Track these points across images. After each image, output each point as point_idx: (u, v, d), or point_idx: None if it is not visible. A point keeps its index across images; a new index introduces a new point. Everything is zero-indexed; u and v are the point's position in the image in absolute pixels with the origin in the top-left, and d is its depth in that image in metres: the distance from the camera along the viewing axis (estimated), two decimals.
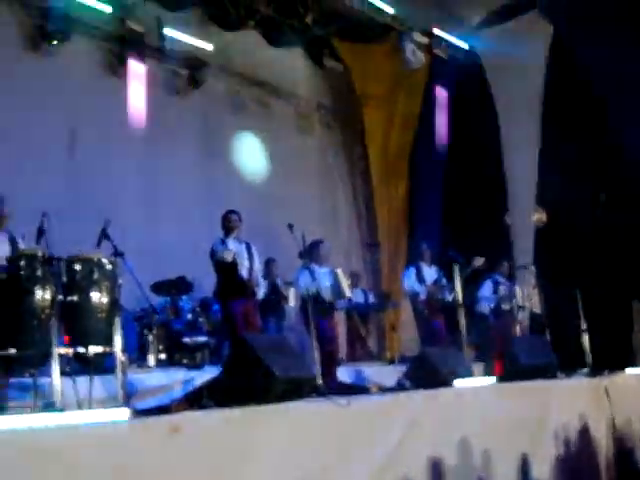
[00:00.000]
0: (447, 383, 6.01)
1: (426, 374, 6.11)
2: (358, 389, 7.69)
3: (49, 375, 4.32)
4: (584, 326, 8.77)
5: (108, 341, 4.64)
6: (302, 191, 12.58)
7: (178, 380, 6.57)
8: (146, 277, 8.33)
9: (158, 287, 8.60)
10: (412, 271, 9.57)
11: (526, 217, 12.16)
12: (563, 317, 9.51)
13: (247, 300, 7.75)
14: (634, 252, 10.63)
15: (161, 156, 10.58)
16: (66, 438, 3.32)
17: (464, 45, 12.80)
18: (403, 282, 9.82)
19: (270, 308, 9.22)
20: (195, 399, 5.18)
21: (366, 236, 14.05)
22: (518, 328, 9.73)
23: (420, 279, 9.40)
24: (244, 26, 11.41)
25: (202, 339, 8.20)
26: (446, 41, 12.68)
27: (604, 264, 10.61)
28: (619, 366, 8.23)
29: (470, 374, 6.75)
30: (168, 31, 10.78)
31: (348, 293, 8.44)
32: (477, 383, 6.48)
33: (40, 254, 4.54)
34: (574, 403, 6.81)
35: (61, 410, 4.05)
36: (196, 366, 7.47)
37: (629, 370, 8.29)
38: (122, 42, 10.36)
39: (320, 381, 5.37)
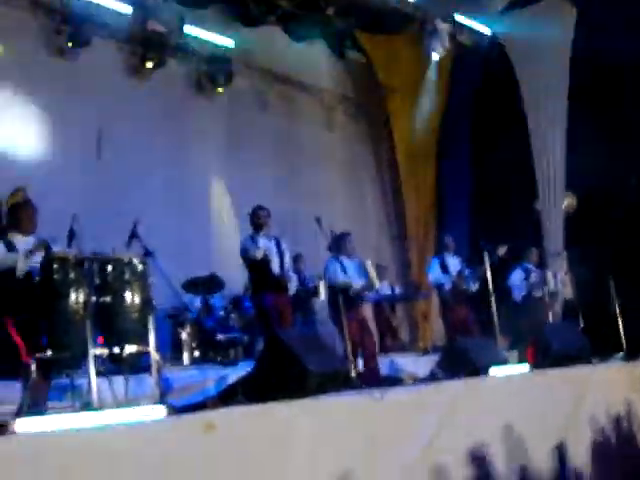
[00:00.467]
0: (481, 372, 6.00)
1: (459, 363, 6.09)
2: (391, 380, 7.70)
3: (86, 376, 4.38)
4: (617, 311, 8.69)
5: (142, 340, 4.69)
6: (329, 184, 12.60)
7: (212, 377, 6.63)
8: (177, 276, 8.42)
9: (189, 285, 8.66)
10: (436, 262, 9.53)
11: (556, 203, 12.05)
12: (596, 302, 9.43)
13: (280, 295, 7.70)
14: None
15: (188, 154, 10.64)
16: (104, 437, 3.37)
17: (487, 31, 12.70)
18: (428, 274, 9.77)
19: (299, 303, 9.23)
20: (229, 396, 5.22)
21: (394, 228, 14.02)
22: (550, 315, 9.67)
23: (444, 270, 9.36)
24: (265, 22, 11.41)
25: (235, 336, 8.27)
26: (469, 28, 12.59)
27: (636, 247, 10.50)
28: None
29: (504, 362, 6.72)
30: (189, 30, 10.81)
31: (377, 284, 8.43)
32: (511, 371, 6.46)
33: (72, 257, 4.60)
34: (609, 388, 6.76)
35: (98, 410, 4.10)
36: (230, 363, 7.53)
37: None
38: (144, 43, 10.41)
39: (353, 374, 5.38)
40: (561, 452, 5.84)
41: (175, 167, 10.46)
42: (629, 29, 10.43)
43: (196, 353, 8.05)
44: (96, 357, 4.39)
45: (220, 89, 11.28)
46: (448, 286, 9.24)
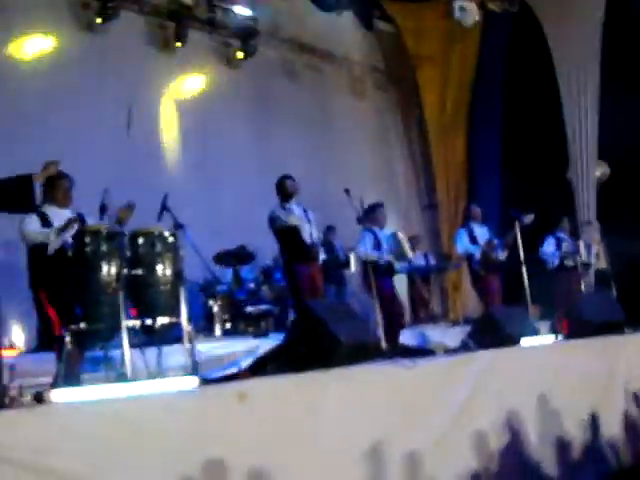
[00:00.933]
0: (513, 342, 5.97)
1: (491, 334, 6.07)
2: (423, 351, 7.70)
3: (119, 347, 4.44)
4: None
5: (174, 312, 4.74)
6: (359, 155, 12.55)
7: (244, 348, 6.69)
8: (208, 248, 8.45)
9: (220, 258, 8.70)
10: (464, 232, 9.33)
11: (588, 172, 11.90)
12: (629, 272, 9.34)
13: (311, 264, 7.64)
14: None
15: (217, 127, 10.63)
16: (138, 407, 3.41)
17: None
18: (456, 244, 9.61)
19: (331, 275, 9.23)
20: (261, 366, 5.26)
21: (425, 198, 13.97)
22: (583, 284, 9.58)
23: (473, 240, 9.20)
24: None
25: (265, 307, 8.31)
26: None
27: None
28: None
29: (536, 332, 6.68)
30: (217, 1, 10.77)
31: (410, 254, 8.37)
32: (543, 341, 6.42)
33: (104, 230, 4.64)
34: None
35: (132, 380, 4.16)
36: (261, 334, 7.58)
37: None
38: (172, 15, 10.39)
39: (385, 344, 5.38)
40: (594, 422, 5.81)
41: (205, 141, 10.47)
42: None
43: (227, 325, 8.10)
44: (129, 329, 4.44)
45: (247, 60, 11.24)
46: (478, 256, 9.11)
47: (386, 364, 4.78)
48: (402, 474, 4.18)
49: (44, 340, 6.05)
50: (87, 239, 4.62)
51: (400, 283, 9.51)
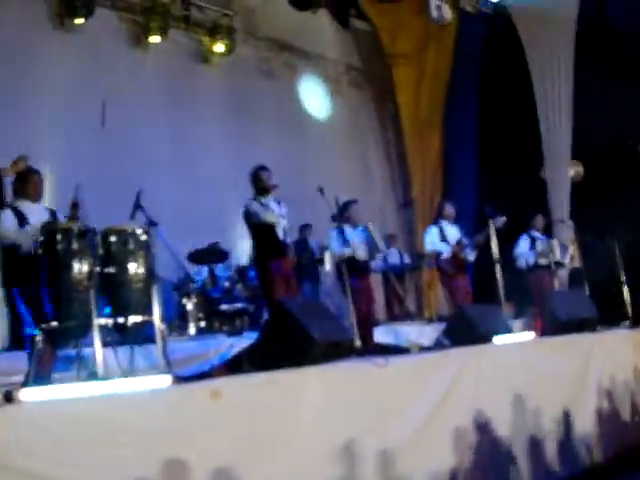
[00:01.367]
0: (486, 340, 5.99)
1: (465, 332, 6.08)
2: (397, 349, 7.71)
3: (91, 346, 4.40)
4: (623, 278, 8.68)
5: (147, 310, 4.70)
6: (334, 153, 12.56)
7: (218, 347, 6.66)
8: (183, 246, 8.42)
9: (194, 256, 8.68)
10: (434, 230, 9.31)
11: (562, 171, 11.99)
12: (602, 270, 9.41)
13: (285, 261, 7.50)
14: None
15: (192, 125, 10.61)
16: (110, 406, 3.38)
17: None
18: (424, 241, 9.58)
19: (305, 273, 9.22)
20: (235, 365, 5.24)
21: (401, 196, 14.00)
22: (557, 283, 9.64)
23: (443, 238, 9.18)
24: None
25: (240, 306, 8.29)
26: None
27: None
28: None
29: (509, 330, 6.71)
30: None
31: (382, 246, 8.29)
32: (516, 339, 6.45)
33: (75, 227, 4.60)
34: (615, 356, 6.76)
35: (104, 379, 4.12)
36: (235, 332, 7.56)
37: None
38: (147, 12, 10.33)
39: (358, 342, 5.38)
40: (567, 419, 5.86)
41: (179, 138, 10.43)
42: None
43: (202, 323, 8.08)
44: (101, 327, 4.39)
45: (222, 58, 11.20)
46: (447, 255, 9.09)
47: (360, 362, 4.79)
48: (376, 472, 4.18)
49: (16, 339, 6.00)
50: (58, 237, 4.56)
51: (375, 281, 9.51)
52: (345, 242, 7.84)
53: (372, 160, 13.79)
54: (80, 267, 4.49)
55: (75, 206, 4.94)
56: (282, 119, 11.85)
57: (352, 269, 7.34)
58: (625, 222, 10.27)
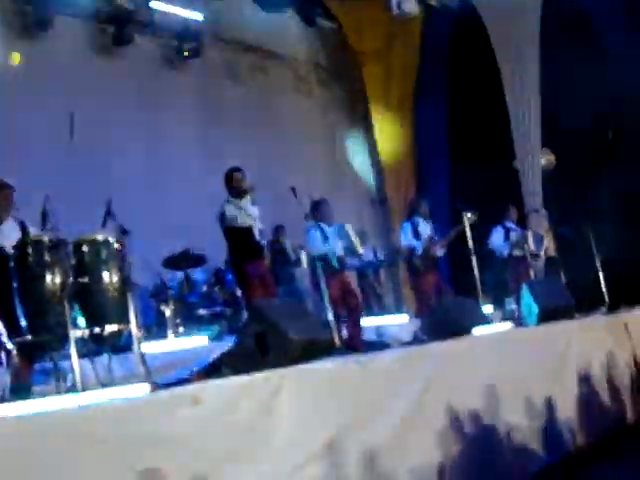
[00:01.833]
0: (465, 332, 6.02)
1: (443, 325, 6.10)
2: (377, 345, 7.72)
3: (68, 358, 4.36)
4: (598, 265, 8.74)
5: (123, 319, 4.67)
6: (306, 153, 12.57)
7: (198, 352, 6.63)
8: (158, 253, 8.39)
9: (170, 262, 8.64)
10: (408, 227, 9.38)
11: (533, 160, 12.05)
12: (577, 258, 9.48)
13: (261, 263, 7.55)
14: None
15: (161, 130, 10.56)
16: (89, 417, 3.35)
17: None
18: (400, 238, 9.63)
19: (281, 274, 9.22)
20: (214, 369, 5.22)
21: (374, 193, 14.02)
22: (532, 273, 9.71)
23: (416, 234, 9.24)
24: None
25: (218, 310, 8.26)
26: None
27: (614, 200, 10.55)
28: (636, 301, 8.21)
29: (488, 322, 6.74)
30: (156, 4, 10.67)
31: (360, 249, 8.33)
32: (495, 330, 6.49)
33: (46, 239, 4.56)
34: (594, 341, 6.81)
35: (82, 391, 4.09)
36: (214, 337, 7.53)
37: None
38: (111, 19, 10.27)
39: (337, 341, 5.37)
40: (549, 406, 5.89)
41: (150, 145, 10.38)
42: None
43: (180, 329, 8.03)
44: (77, 338, 4.36)
45: (190, 62, 11.16)
46: (419, 251, 9.16)
47: (339, 360, 4.79)
48: (359, 470, 4.17)
49: None
50: (29, 249, 4.52)
51: (351, 279, 9.52)
52: (324, 240, 7.87)
53: (344, 157, 13.80)
54: (52, 278, 4.46)
55: (45, 217, 4.90)
56: (252, 120, 11.83)
57: (328, 267, 7.36)
58: (599, 209, 10.37)
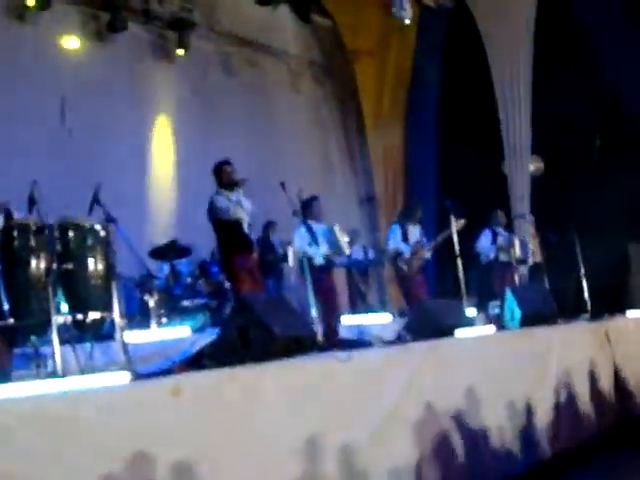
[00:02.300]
0: (448, 334, 6.03)
1: (426, 326, 6.12)
2: (360, 344, 7.73)
3: (50, 344, 4.34)
4: (582, 272, 8.78)
5: (106, 307, 4.66)
6: (297, 149, 12.56)
7: (180, 343, 6.62)
8: (146, 242, 8.37)
9: (156, 252, 8.61)
10: (397, 229, 9.40)
11: (522, 166, 12.09)
12: (562, 265, 9.52)
13: (249, 256, 7.52)
14: (629, 194, 10.62)
15: (152, 120, 10.52)
16: (69, 404, 3.34)
17: None
18: (387, 239, 9.64)
19: (269, 269, 9.21)
20: (196, 361, 5.21)
21: (363, 192, 14.03)
22: (517, 278, 9.74)
23: (405, 238, 9.28)
24: None
25: (202, 301, 8.24)
26: None
27: (600, 208, 10.59)
28: (618, 309, 8.25)
29: (471, 324, 6.77)
30: None
31: (347, 250, 8.35)
32: (478, 332, 6.51)
33: (32, 224, 4.53)
34: (575, 348, 6.84)
35: (63, 377, 4.07)
36: (198, 329, 7.51)
37: (629, 313, 8.31)
38: (106, 7, 10.22)
39: (320, 338, 5.37)
40: (528, 411, 5.91)
41: (140, 133, 10.34)
42: None
43: (164, 320, 8.00)
44: (59, 324, 4.34)
45: (184, 53, 11.12)
46: (406, 255, 9.19)
47: (321, 357, 4.79)
48: (338, 468, 4.18)
49: None
50: (15, 233, 4.49)
51: (338, 276, 9.53)
52: (311, 237, 7.88)
53: (334, 155, 13.81)
54: (37, 263, 4.44)
55: (32, 202, 4.86)
56: (243, 114, 11.81)
57: (315, 265, 7.36)
58: (585, 216, 10.40)
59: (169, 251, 8.61)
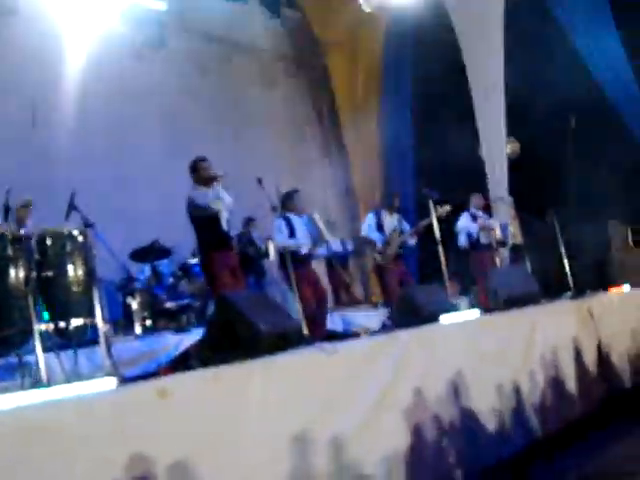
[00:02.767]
0: (432, 320, 6.04)
1: (410, 313, 6.12)
2: (346, 335, 7.74)
3: (33, 353, 4.31)
4: (563, 251, 8.83)
5: (89, 313, 4.63)
6: (272, 144, 12.53)
7: (165, 345, 6.59)
8: (125, 245, 8.31)
9: (137, 255, 8.58)
10: (372, 219, 9.40)
11: (498, 149, 12.11)
12: (542, 245, 9.56)
13: (230, 253, 7.44)
14: (608, 172, 10.69)
15: (125, 121, 10.44)
16: (53, 412, 3.31)
17: None
18: (362, 230, 9.64)
19: (249, 266, 9.18)
20: (182, 362, 5.19)
21: (341, 183, 14.02)
22: (498, 260, 9.78)
23: (379, 227, 9.27)
24: None
25: (185, 302, 8.21)
26: None
27: (578, 188, 10.64)
28: (601, 286, 8.31)
29: (455, 309, 6.77)
30: None
31: (328, 237, 8.32)
32: (461, 317, 6.52)
33: (8, 233, 4.49)
34: (559, 326, 6.87)
35: (48, 386, 4.04)
36: (182, 329, 7.47)
37: (611, 289, 8.38)
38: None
39: (306, 331, 5.36)
40: (517, 393, 5.94)
41: (113, 134, 10.26)
42: None
43: (148, 322, 7.97)
44: (42, 333, 4.31)
45: (155, 52, 11.05)
46: (380, 244, 9.18)
47: (307, 351, 4.78)
48: (328, 460, 4.18)
49: None
50: None
51: (318, 269, 9.52)
52: (291, 231, 7.86)
53: (311, 148, 13.79)
54: (16, 273, 4.40)
55: (7, 211, 4.82)
56: (217, 111, 11.77)
57: (296, 259, 7.34)
58: (564, 196, 10.45)
59: (150, 252, 8.58)
